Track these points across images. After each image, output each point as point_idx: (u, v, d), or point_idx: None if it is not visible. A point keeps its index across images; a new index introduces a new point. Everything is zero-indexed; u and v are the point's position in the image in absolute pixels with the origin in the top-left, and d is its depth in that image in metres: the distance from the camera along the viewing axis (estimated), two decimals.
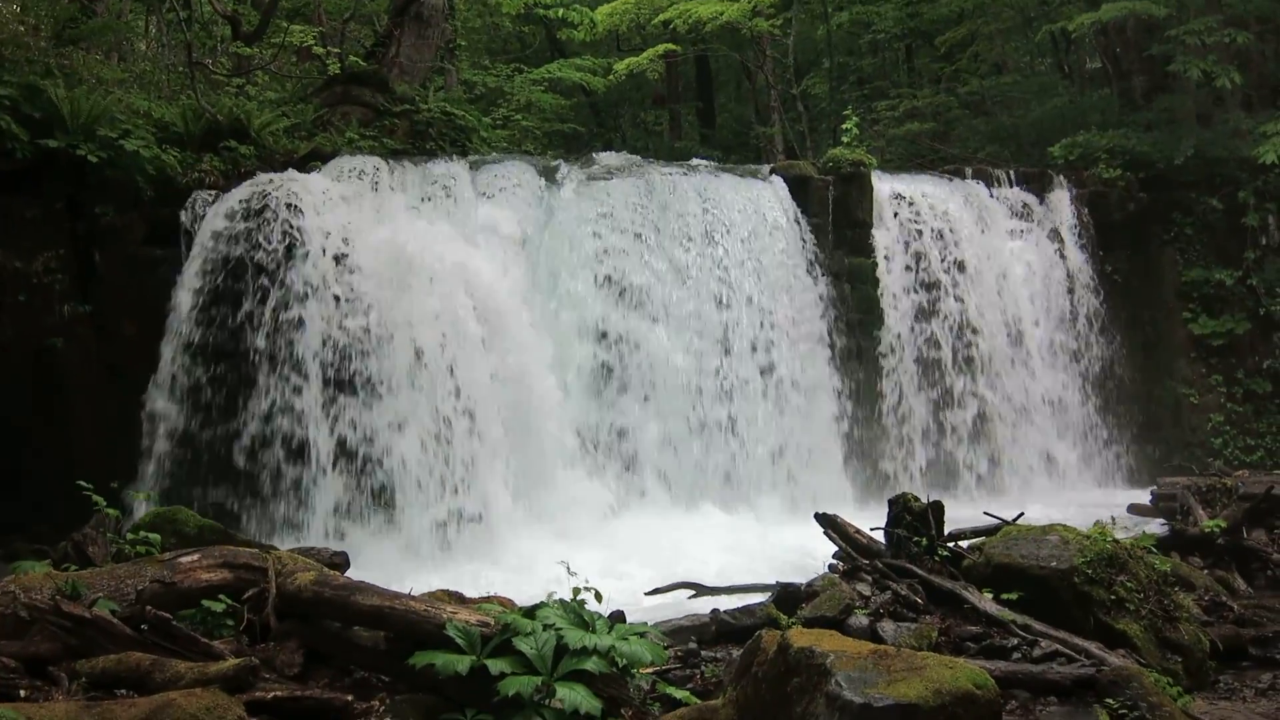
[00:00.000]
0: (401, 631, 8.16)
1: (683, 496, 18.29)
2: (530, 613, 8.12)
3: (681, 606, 13.08)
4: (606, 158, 21.91)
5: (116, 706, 7.32)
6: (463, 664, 7.55)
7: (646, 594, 13.69)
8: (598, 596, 8.88)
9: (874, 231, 21.60)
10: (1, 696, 7.65)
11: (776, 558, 15.38)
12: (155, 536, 10.71)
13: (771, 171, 21.74)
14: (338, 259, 16.88)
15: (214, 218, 17.00)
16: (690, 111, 43.47)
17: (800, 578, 12.39)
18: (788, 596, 11.62)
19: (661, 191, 19.89)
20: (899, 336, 21.31)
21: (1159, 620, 10.58)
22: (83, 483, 11.22)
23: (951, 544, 12.09)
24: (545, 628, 7.83)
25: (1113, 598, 10.50)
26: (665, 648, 8.89)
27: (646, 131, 43.52)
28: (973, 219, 22.67)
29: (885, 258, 21.53)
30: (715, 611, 11.82)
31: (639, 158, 22.16)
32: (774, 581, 12.81)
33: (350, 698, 8.03)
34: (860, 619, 10.68)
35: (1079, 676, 9.19)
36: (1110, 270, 24.00)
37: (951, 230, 22.16)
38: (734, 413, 19.12)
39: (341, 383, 16.44)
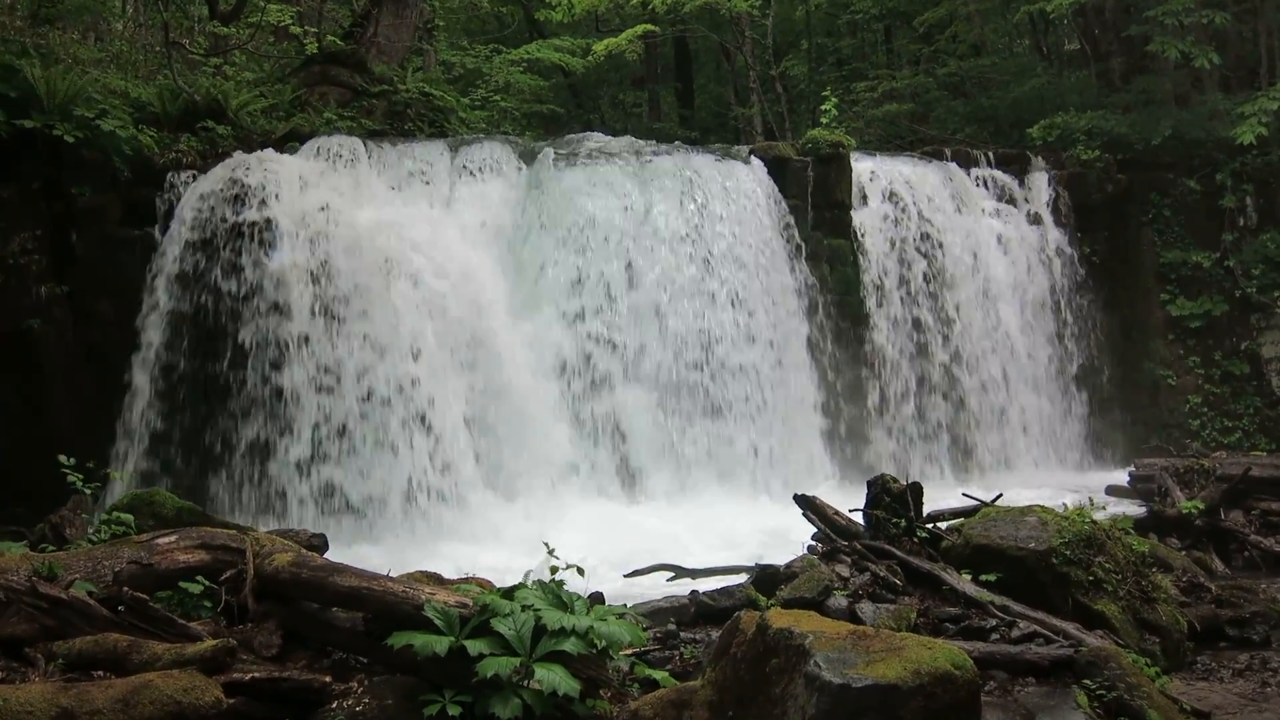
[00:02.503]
0: (380, 612, 8.13)
1: (661, 477, 18.28)
2: (509, 594, 8.10)
3: (660, 588, 13.11)
4: (586, 138, 21.85)
5: (93, 688, 7.29)
6: (441, 645, 7.53)
7: (625, 575, 13.71)
8: (580, 572, 8.88)
9: (853, 213, 21.60)
10: None
11: (756, 539, 15.39)
12: (132, 518, 10.69)
13: (750, 153, 21.69)
14: (315, 240, 16.84)
15: (191, 198, 16.95)
16: (669, 93, 43.39)
17: (779, 559, 12.39)
18: (767, 578, 11.62)
19: (640, 172, 19.86)
20: (878, 317, 21.32)
21: (1137, 601, 10.61)
22: (61, 458, 11.18)
23: (930, 525, 12.10)
24: (524, 609, 7.81)
25: (1091, 579, 10.52)
26: (644, 629, 8.89)
27: (625, 113, 43.45)
28: (951, 200, 22.69)
29: (864, 239, 21.53)
30: (694, 593, 11.84)
31: (620, 138, 22.07)
32: (753, 563, 12.82)
33: (328, 679, 8.00)
34: (839, 600, 10.68)
35: (1057, 657, 9.21)
36: (1088, 251, 24.05)
37: (930, 211, 22.17)
38: (712, 394, 19.11)
39: (321, 362, 16.42)
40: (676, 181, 19.92)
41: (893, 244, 21.74)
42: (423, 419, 16.66)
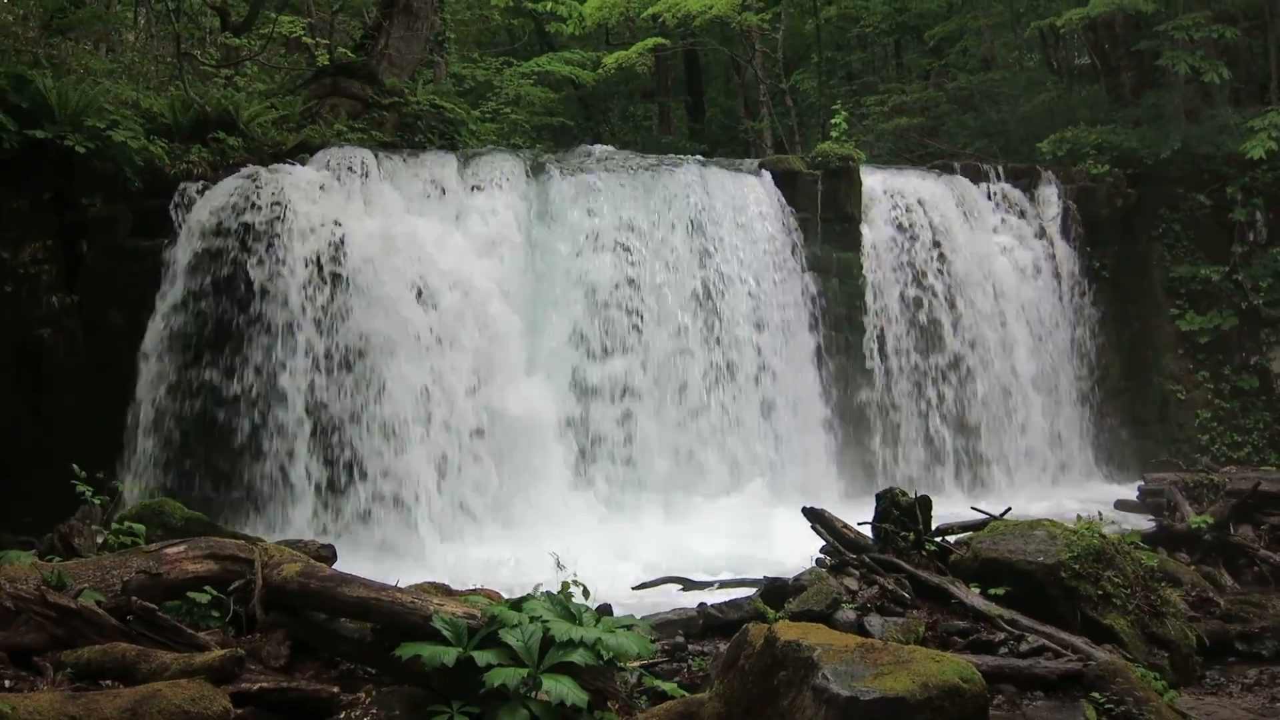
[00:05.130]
0: (388, 623, 8.14)
1: (669, 489, 18.26)
2: (517, 605, 8.10)
3: (669, 600, 13.07)
4: (596, 151, 21.86)
5: (102, 697, 7.29)
6: (449, 656, 7.53)
7: (634, 588, 13.67)
8: (585, 592, 8.87)
9: (862, 226, 21.60)
10: None
11: (763, 551, 15.37)
12: (141, 528, 10.71)
13: (760, 165, 21.72)
14: (325, 252, 16.86)
15: (202, 209, 16.98)
16: (679, 106, 43.51)
17: (787, 572, 12.38)
18: (775, 591, 11.60)
19: (650, 185, 19.87)
20: (886, 331, 21.32)
21: (1146, 615, 10.60)
22: (75, 466, 11.20)
23: (939, 539, 12.10)
24: (532, 620, 7.82)
25: (1100, 593, 10.51)
26: (652, 641, 8.87)
27: (635, 125, 43.48)
28: (961, 214, 22.67)
29: (873, 252, 21.52)
30: (702, 605, 11.81)
31: (629, 151, 22.09)
32: (761, 576, 12.80)
33: (336, 689, 8.01)
34: (847, 613, 10.67)
35: (1066, 671, 9.21)
36: (1098, 266, 24.05)
37: (939, 225, 22.17)
38: (720, 406, 19.10)
39: (330, 375, 16.45)
40: (685, 193, 19.92)
41: (902, 257, 21.73)
42: (431, 430, 16.67)
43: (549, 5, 35.43)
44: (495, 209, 18.62)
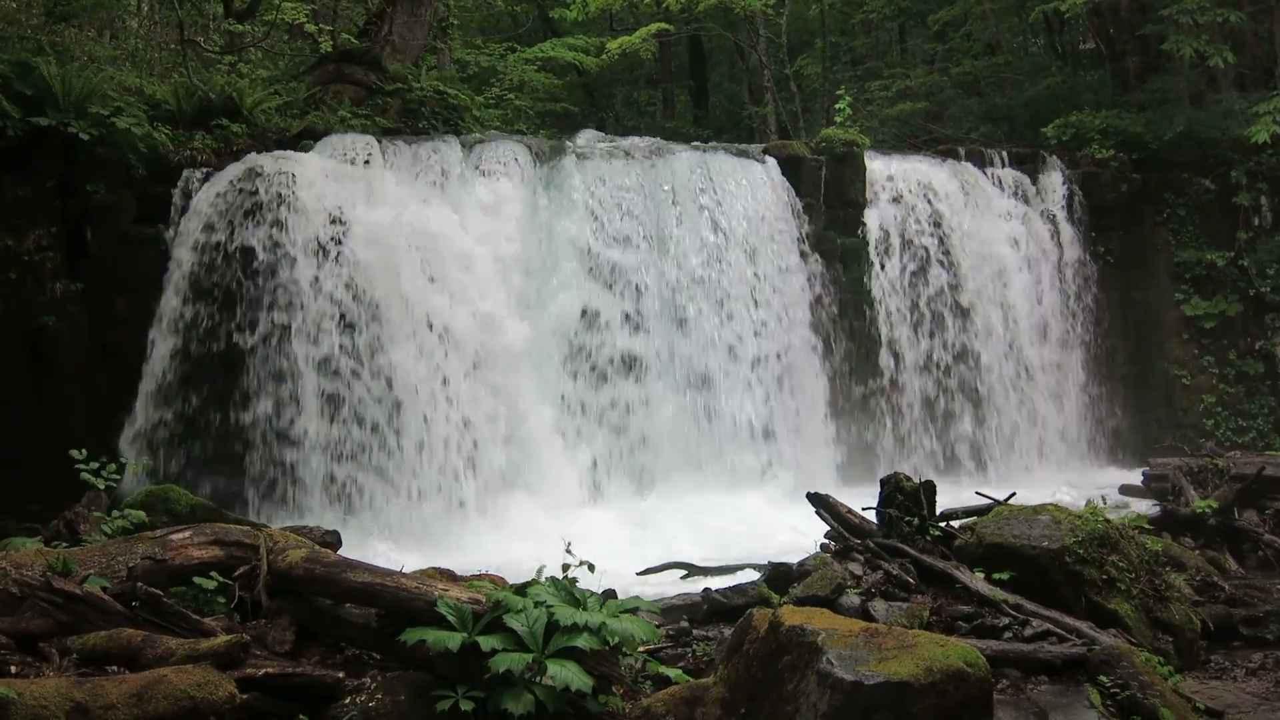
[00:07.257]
0: (393, 609, 8.14)
1: (673, 474, 18.27)
2: (522, 590, 8.11)
3: (673, 585, 13.11)
4: (600, 137, 21.84)
5: (107, 683, 7.31)
6: (454, 641, 7.53)
7: (638, 573, 13.70)
8: (590, 568, 8.87)
9: (866, 211, 21.58)
10: None
11: (767, 537, 15.38)
12: (145, 514, 10.72)
13: (764, 151, 21.68)
14: (329, 239, 16.85)
15: (206, 196, 16.97)
16: (683, 91, 43.40)
17: (791, 557, 12.38)
18: (779, 576, 11.61)
19: (655, 171, 19.84)
20: (890, 316, 21.30)
21: (1150, 600, 10.60)
22: (75, 453, 11.19)
23: (943, 524, 12.10)
24: (536, 605, 7.82)
25: (1104, 577, 10.51)
26: (657, 626, 8.88)
27: (639, 111, 43.40)
28: (965, 199, 22.63)
29: (877, 237, 21.50)
30: (707, 590, 11.83)
31: (633, 137, 22.06)
32: (765, 561, 12.80)
33: (341, 675, 8.01)
34: (852, 598, 10.67)
35: (1070, 655, 9.20)
36: (1103, 251, 24.02)
37: (944, 211, 22.13)
38: (723, 392, 19.09)
39: (335, 360, 16.45)
40: (690, 180, 19.91)
41: (906, 243, 21.70)
42: (436, 418, 16.67)
43: None
44: (498, 195, 18.61)
